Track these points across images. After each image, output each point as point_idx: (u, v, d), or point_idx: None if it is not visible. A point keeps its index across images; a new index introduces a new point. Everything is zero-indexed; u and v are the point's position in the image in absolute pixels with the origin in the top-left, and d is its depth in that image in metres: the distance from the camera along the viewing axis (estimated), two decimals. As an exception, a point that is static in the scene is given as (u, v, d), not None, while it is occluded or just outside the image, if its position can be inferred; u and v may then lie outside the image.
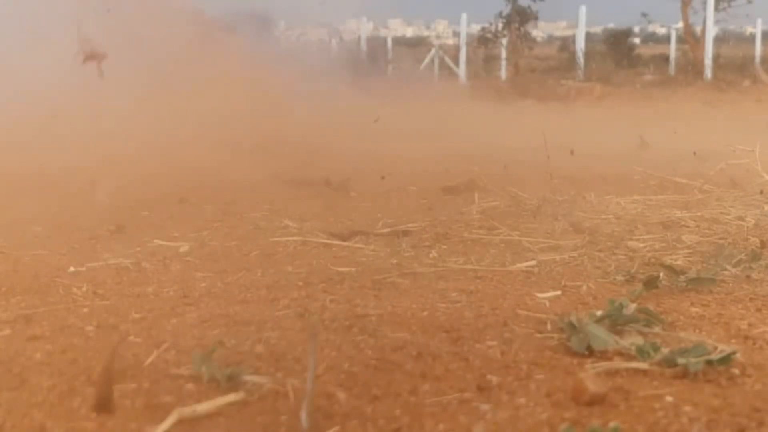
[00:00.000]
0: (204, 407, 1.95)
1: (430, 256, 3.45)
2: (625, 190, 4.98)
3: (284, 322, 2.59)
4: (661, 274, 3.00)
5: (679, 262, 3.29)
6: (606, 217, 4.21)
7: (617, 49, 20.77)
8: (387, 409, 1.98)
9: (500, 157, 5.96)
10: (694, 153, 5.95)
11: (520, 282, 3.09)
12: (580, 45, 19.31)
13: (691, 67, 17.85)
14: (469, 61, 20.08)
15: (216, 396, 2.01)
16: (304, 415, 1.81)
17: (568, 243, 3.62)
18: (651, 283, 2.91)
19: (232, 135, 5.93)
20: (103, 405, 1.92)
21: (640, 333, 2.45)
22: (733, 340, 2.46)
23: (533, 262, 3.32)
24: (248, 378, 2.10)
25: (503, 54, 19.78)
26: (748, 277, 3.14)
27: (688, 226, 3.99)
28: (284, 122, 6.62)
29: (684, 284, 2.97)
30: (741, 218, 4.14)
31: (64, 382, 2.11)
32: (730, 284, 3.05)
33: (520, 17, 19.70)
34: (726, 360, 2.22)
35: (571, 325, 2.39)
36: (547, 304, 2.81)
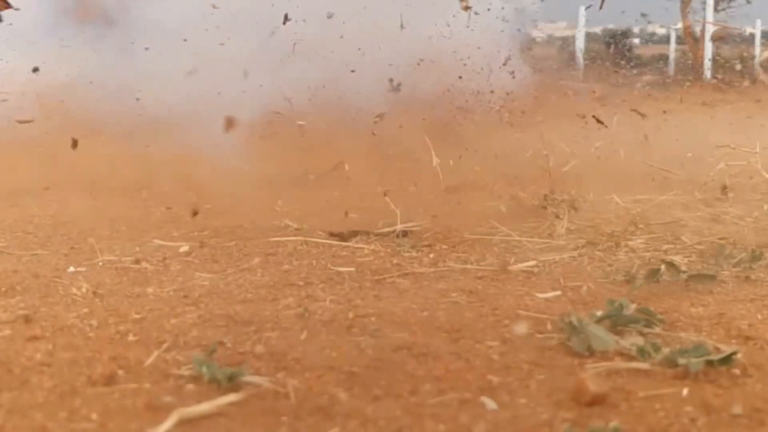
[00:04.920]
0: (204, 407, 1.95)
1: (430, 256, 3.45)
2: (625, 189, 4.97)
3: (284, 322, 2.59)
4: (662, 267, 3.01)
5: (679, 262, 3.29)
6: (606, 217, 4.20)
7: (617, 50, 20.78)
8: (388, 410, 1.98)
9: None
10: (689, 155, 5.93)
11: (520, 282, 3.09)
12: (580, 45, 19.31)
13: (691, 68, 17.85)
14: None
15: (216, 396, 2.01)
16: None
17: (568, 243, 3.62)
18: (652, 275, 2.92)
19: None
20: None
21: (641, 333, 2.45)
22: (733, 341, 2.46)
23: (533, 262, 3.32)
24: (248, 378, 2.10)
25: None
26: (748, 277, 3.13)
27: (688, 226, 3.99)
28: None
29: (685, 279, 2.97)
30: (741, 218, 4.14)
31: (65, 383, 2.10)
32: (731, 284, 3.05)
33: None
34: (727, 360, 2.22)
35: (572, 326, 2.39)
36: (547, 304, 2.81)
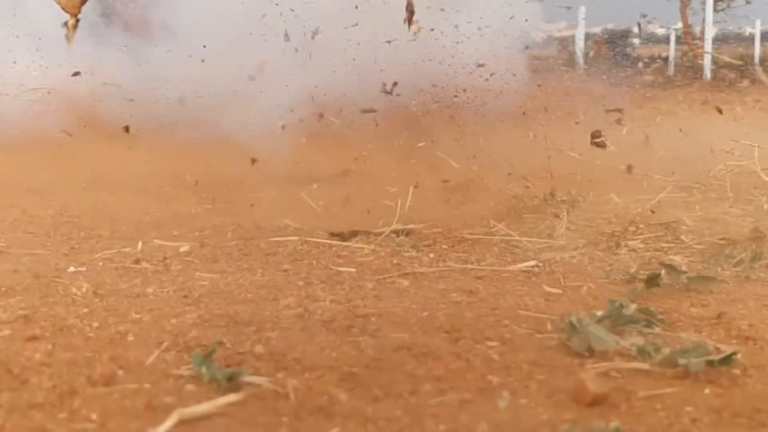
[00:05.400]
0: (204, 407, 1.95)
1: (430, 256, 3.45)
2: (625, 189, 4.97)
3: (284, 322, 2.59)
4: (663, 272, 3.00)
5: (679, 262, 3.29)
6: (606, 216, 4.20)
7: (617, 50, 20.77)
8: (388, 410, 1.98)
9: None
10: (690, 155, 5.93)
11: (520, 282, 3.09)
12: (580, 45, 19.30)
13: (691, 68, 17.85)
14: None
15: (216, 396, 2.01)
16: None
17: (568, 243, 3.62)
18: (652, 281, 2.91)
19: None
20: None
21: (641, 333, 2.45)
22: (733, 341, 2.46)
23: (533, 262, 3.32)
24: (248, 378, 2.10)
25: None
26: (748, 277, 3.13)
27: (687, 226, 3.99)
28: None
29: (685, 282, 2.97)
30: (741, 218, 4.14)
31: (65, 383, 2.10)
32: (731, 284, 3.05)
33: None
34: (727, 360, 2.22)
35: (572, 326, 2.39)
36: (547, 304, 2.81)
